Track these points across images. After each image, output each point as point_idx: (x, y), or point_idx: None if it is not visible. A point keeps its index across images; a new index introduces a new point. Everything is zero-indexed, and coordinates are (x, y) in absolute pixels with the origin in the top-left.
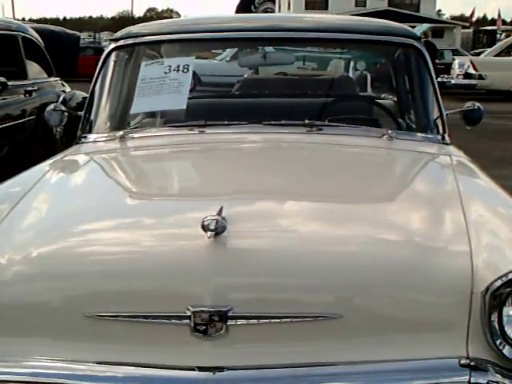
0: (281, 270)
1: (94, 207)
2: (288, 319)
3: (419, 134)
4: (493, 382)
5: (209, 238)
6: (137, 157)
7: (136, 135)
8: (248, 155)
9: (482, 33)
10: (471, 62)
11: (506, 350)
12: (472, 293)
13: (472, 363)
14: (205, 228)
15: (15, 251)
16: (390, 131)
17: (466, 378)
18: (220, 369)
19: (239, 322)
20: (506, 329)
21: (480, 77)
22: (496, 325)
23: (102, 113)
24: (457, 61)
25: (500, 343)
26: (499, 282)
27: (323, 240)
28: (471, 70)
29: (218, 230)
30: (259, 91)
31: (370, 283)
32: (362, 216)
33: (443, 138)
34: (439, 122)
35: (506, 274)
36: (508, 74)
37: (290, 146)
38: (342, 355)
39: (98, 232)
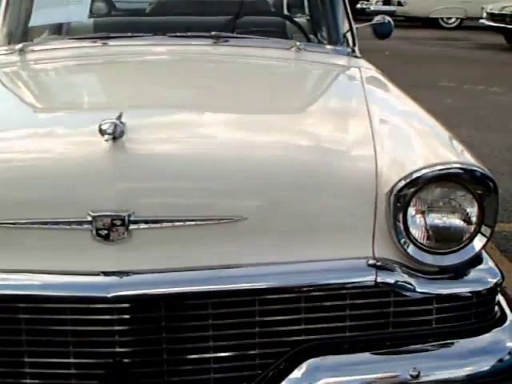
0: (183, 174)
1: None
2: (192, 222)
3: (328, 46)
4: (400, 281)
5: (106, 141)
6: (36, 70)
7: (36, 48)
8: (152, 67)
9: None
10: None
11: (411, 249)
12: (377, 194)
13: (378, 263)
14: (102, 132)
15: None
16: (298, 43)
17: (373, 277)
18: (125, 273)
19: (142, 226)
20: (410, 229)
21: (399, 3)
22: (401, 225)
23: (1, 26)
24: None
25: (405, 242)
26: (402, 183)
27: (227, 144)
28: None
29: (115, 133)
30: (170, 11)
31: (275, 185)
32: (267, 124)
33: (353, 51)
34: (349, 36)
35: (409, 175)
36: (427, 1)
37: (196, 57)
38: (247, 257)
39: None
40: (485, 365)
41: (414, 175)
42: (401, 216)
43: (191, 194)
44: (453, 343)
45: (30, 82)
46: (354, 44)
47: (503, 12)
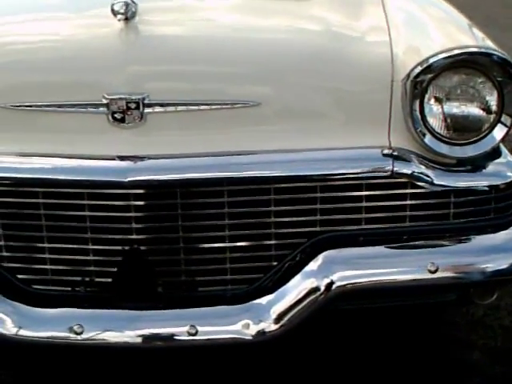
0: (198, 57)
1: (5, 5)
2: (206, 106)
3: None
4: (417, 172)
5: (119, 20)
6: None
7: None
8: None
9: None
10: None
11: (428, 139)
12: (392, 81)
13: (395, 153)
14: (114, 12)
15: None
16: None
17: (390, 167)
18: (140, 158)
19: (156, 109)
20: (427, 118)
21: None
22: (418, 114)
23: None
24: None
25: (421, 132)
26: (419, 69)
27: (241, 29)
28: None
29: (128, 14)
30: None
31: (288, 70)
32: (277, 9)
33: None
34: None
35: (425, 60)
36: None
37: None
38: (262, 143)
39: (9, 25)
40: (503, 262)
41: (431, 60)
42: (417, 104)
43: (205, 77)
44: (471, 239)
45: None
46: None
47: None
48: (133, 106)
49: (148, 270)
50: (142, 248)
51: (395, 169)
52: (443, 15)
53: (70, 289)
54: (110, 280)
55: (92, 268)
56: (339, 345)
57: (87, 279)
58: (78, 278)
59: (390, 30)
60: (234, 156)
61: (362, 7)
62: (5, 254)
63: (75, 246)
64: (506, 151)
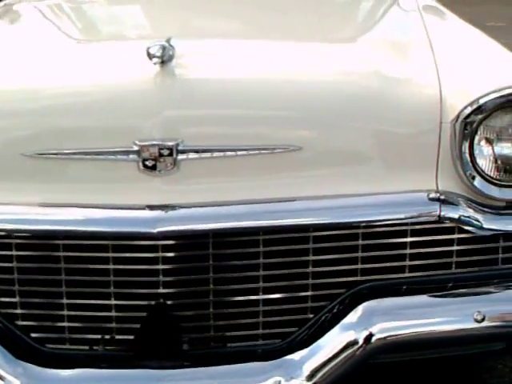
0: (235, 101)
1: (37, 49)
2: (243, 152)
3: None
4: (465, 216)
5: (154, 64)
6: (78, 2)
7: None
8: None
9: None
10: None
11: (477, 182)
12: (441, 122)
13: (442, 197)
14: (150, 55)
15: None
16: None
17: (436, 212)
18: (172, 207)
19: (190, 155)
20: (477, 160)
21: None
22: (467, 156)
23: None
24: None
25: (470, 174)
26: (469, 109)
27: (282, 71)
28: None
29: (164, 57)
30: None
31: (331, 113)
32: (321, 51)
33: None
34: None
35: (476, 100)
36: None
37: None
38: (302, 190)
39: (39, 69)
40: None
41: (481, 100)
42: (467, 145)
43: (243, 122)
44: None
45: (74, 16)
46: None
47: None
48: (165, 152)
49: (174, 325)
50: (169, 302)
51: (442, 213)
52: (491, 52)
53: (87, 347)
54: (131, 337)
55: (113, 325)
56: None
57: (107, 337)
58: (98, 336)
59: (438, 70)
60: (271, 204)
61: (410, 48)
62: (19, 311)
63: (96, 302)
64: None
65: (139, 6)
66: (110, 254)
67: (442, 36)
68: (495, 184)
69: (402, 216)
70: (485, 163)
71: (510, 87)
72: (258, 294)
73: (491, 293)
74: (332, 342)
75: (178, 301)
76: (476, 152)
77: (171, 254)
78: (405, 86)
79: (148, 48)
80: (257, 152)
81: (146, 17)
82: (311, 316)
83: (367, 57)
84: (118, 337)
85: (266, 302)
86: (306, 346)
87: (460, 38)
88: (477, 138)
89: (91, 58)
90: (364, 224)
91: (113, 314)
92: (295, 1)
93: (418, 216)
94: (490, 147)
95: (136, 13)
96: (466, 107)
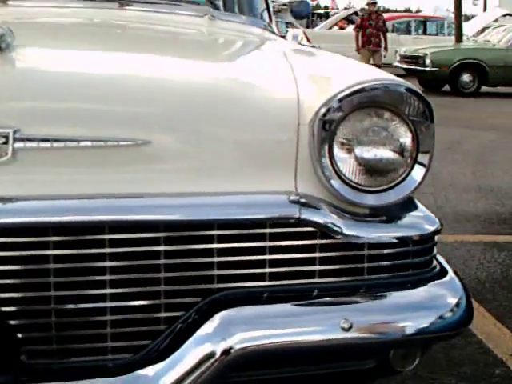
0: (79, 93)
1: None
2: (87, 143)
3: (244, 17)
4: (326, 221)
5: None
6: None
7: None
8: (56, 29)
9: (315, 16)
10: (304, 34)
11: (337, 186)
12: (299, 124)
13: (302, 200)
14: None
15: None
16: (211, 9)
17: (296, 214)
18: (8, 199)
19: (28, 144)
20: (337, 163)
21: (313, 47)
22: (327, 159)
23: None
24: (290, 32)
25: (330, 178)
26: (324, 109)
27: (132, 68)
28: (305, 42)
29: (1, 44)
30: None
31: (183, 108)
32: (177, 60)
33: (270, 26)
34: (266, 14)
35: (329, 100)
36: (339, 45)
37: (100, 22)
38: (150, 186)
39: None
40: (423, 321)
41: (335, 99)
42: (326, 148)
43: (87, 114)
44: (387, 296)
45: None
46: (271, 21)
47: (416, 54)
48: (1, 140)
49: (9, 335)
50: (4, 309)
51: (302, 216)
52: (349, 65)
53: None
54: None
55: None
56: None
57: None
58: None
59: (296, 78)
60: (115, 199)
61: (269, 65)
62: None
63: None
64: (421, 205)
65: None
66: None
67: (300, 57)
68: (356, 188)
69: (259, 217)
70: (345, 167)
71: (359, 83)
72: (104, 302)
73: (358, 302)
74: (188, 354)
75: (15, 307)
76: (336, 155)
77: (5, 254)
78: (262, 91)
79: None
80: (102, 144)
81: None
82: (165, 327)
83: (226, 66)
84: None
85: (114, 310)
86: (161, 360)
87: (318, 58)
88: (336, 140)
89: None
90: (218, 223)
91: None
92: (153, 37)
93: (275, 218)
94: (351, 150)
95: None
96: (321, 107)
